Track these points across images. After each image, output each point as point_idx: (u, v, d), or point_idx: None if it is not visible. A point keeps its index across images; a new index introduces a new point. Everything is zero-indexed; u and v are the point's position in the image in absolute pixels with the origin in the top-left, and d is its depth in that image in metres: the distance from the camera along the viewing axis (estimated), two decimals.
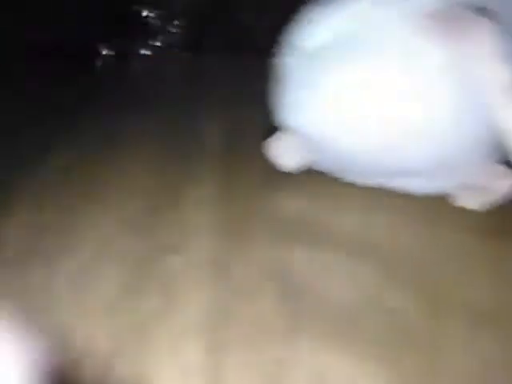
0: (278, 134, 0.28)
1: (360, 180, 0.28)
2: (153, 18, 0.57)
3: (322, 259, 0.23)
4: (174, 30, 0.57)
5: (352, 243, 0.24)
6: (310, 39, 0.23)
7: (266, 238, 0.25)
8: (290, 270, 0.22)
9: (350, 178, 0.28)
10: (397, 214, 0.27)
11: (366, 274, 0.22)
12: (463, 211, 0.27)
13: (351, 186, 0.29)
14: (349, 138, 0.23)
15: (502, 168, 0.26)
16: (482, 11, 0.20)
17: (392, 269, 0.23)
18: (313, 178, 0.29)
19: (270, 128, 0.29)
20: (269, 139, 0.29)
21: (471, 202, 0.26)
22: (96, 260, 0.23)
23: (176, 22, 0.57)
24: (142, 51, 0.58)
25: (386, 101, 0.22)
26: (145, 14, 0.57)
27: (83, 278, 0.22)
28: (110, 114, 0.42)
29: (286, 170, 0.30)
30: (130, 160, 0.33)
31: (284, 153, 0.28)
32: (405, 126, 0.22)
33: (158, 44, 0.57)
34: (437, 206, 0.27)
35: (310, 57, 0.23)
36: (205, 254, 0.24)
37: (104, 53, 0.58)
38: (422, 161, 0.24)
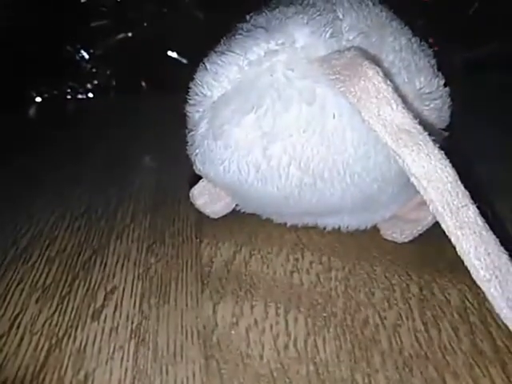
0: (201, 182, 0.28)
1: (288, 220, 0.28)
2: (86, 60, 0.56)
3: (249, 315, 0.22)
4: (109, 72, 0.56)
5: (282, 292, 0.23)
6: (211, 89, 0.23)
7: (191, 295, 0.24)
8: (214, 332, 0.21)
9: (277, 219, 0.28)
10: (327, 254, 0.26)
11: (296, 325, 0.21)
12: (390, 244, 0.27)
13: (280, 226, 0.28)
14: (263, 185, 0.23)
15: (422, 197, 0.26)
16: (370, 57, 0.20)
17: (321, 316, 0.22)
18: (241, 223, 0.29)
19: (196, 174, 0.28)
20: (193, 188, 0.28)
21: (396, 234, 0.26)
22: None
23: (109, 64, 0.56)
24: (78, 95, 0.57)
25: (294, 147, 0.22)
26: (78, 57, 0.56)
27: None
28: (40, 161, 0.41)
29: (214, 217, 0.29)
30: (48, 217, 0.32)
31: (209, 200, 0.28)
32: (317, 170, 0.22)
33: (91, 87, 0.56)
34: (365, 240, 0.27)
35: (213, 107, 0.23)
36: (125, 319, 0.22)
37: (36, 99, 0.56)
38: (341, 199, 0.24)
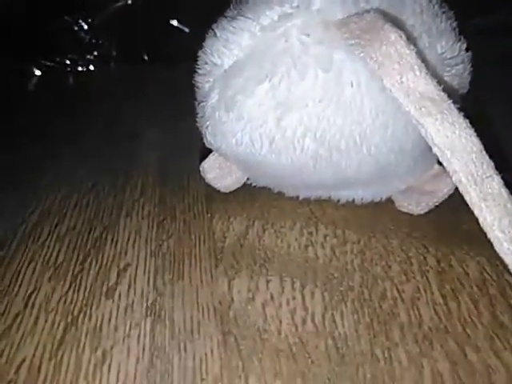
0: (211, 156, 0.27)
1: (300, 193, 0.27)
2: (85, 30, 0.54)
3: (265, 290, 0.22)
4: (108, 43, 0.54)
5: (297, 266, 0.23)
6: (221, 57, 0.22)
7: (205, 271, 0.23)
8: (231, 307, 0.21)
9: (289, 192, 0.27)
10: (341, 227, 0.26)
11: (313, 299, 0.21)
12: (405, 216, 0.26)
13: (293, 200, 0.28)
14: (276, 157, 0.22)
15: (439, 169, 0.25)
16: (390, 20, 0.19)
17: (338, 290, 0.22)
18: (253, 197, 0.28)
19: (206, 148, 0.27)
20: (203, 161, 0.28)
21: (412, 205, 0.26)
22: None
23: (109, 34, 0.54)
24: (78, 67, 0.55)
25: (310, 117, 0.21)
26: (76, 27, 0.54)
27: None
28: (42, 136, 0.40)
29: (225, 191, 0.28)
30: (56, 193, 0.31)
31: (220, 174, 0.27)
32: (333, 141, 0.21)
33: (92, 58, 0.54)
34: (380, 213, 0.27)
35: (224, 76, 0.22)
36: (140, 296, 0.22)
37: (36, 73, 0.55)
38: (356, 171, 0.23)
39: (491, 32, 0.52)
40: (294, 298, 0.21)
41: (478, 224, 0.19)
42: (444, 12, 0.22)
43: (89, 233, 0.27)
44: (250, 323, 0.20)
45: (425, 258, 0.24)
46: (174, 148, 0.36)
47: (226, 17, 0.22)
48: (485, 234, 0.19)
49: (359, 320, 0.20)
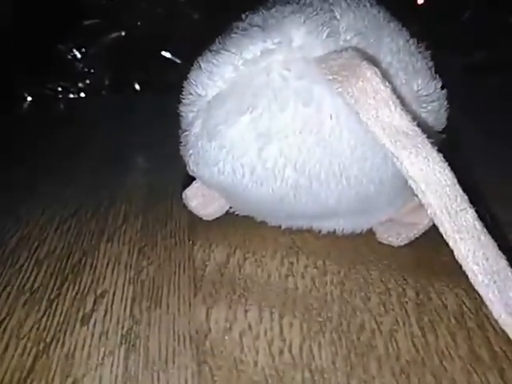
0: (194, 183, 0.27)
1: (282, 223, 0.27)
2: (78, 59, 0.55)
3: (243, 320, 0.22)
4: (101, 72, 0.55)
5: (276, 296, 0.23)
6: (206, 89, 0.23)
7: (184, 299, 0.23)
8: (207, 337, 0.21)
9: (271, 222, 0.28)
10: (322, 258, 0.26)
11: (291, 330, 0.21)
12: (385, 247, 0.27)
13: (275, 229, 0.28)
14: (258, 186, 0.23)
15: (419, 201, 0.26)
16: (367, 57, 0.20)
17: (317, 321, 0.21)
18: (235, 225, 0.28)
19: (189, 175, 0.28)
20: (186, 189, 0.28)
21: (392, 237, 0.26)
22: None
23: (102, 63, 0.55)
24: (69, 95, 0.56)
25: (290, 148, 0.22)
26: (70, 55, 0.55)
27: None
28: (31, 162, 0.40)
29: (207, 219, 0.28)
30: (37, 219, 0.31)
31: (202, 202, 0.27)
32: (313, 171, 0.22)
33: (84, 86, 0.55)
34: (361, 244, 0.27)
35: (208, 107, 0.23)
36: (115, 324, 0.22)
37: (28, 98, 0.55)
38: (337, 202, 0.23)
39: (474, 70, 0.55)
40: (271, 329, 0.21)
41: None
42: (420, 52, 0.23)
43: (68, 258, 0.27)
44: (226, 353, 0.20)
45: (404, 289, 0.24)
46: (160, 174, 0.37)
47: (210, 50, 0.23)
48: None
49: (337, 352, 0.20)
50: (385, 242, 0.27)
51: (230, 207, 0.28)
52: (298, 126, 0.21)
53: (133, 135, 0.46)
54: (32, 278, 0.25)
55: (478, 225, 0.19)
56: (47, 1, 0.48)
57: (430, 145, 0.19)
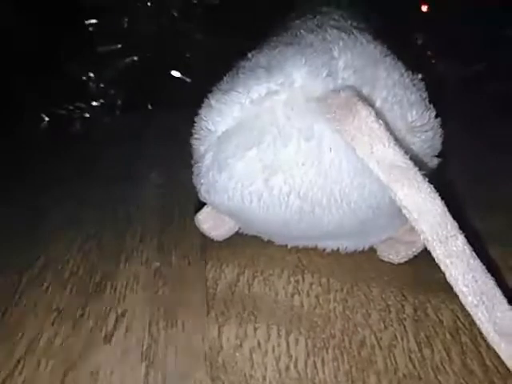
0: (205, 208, 0.29)
1: (288, 243, 0.29)
2: (93, 81, 0.58)
3: (252, 337, 0.23)
4: (115, 92, 0.58)
5: (283, 314, 0.25)
6: (215, 125, 0.24)
7: (197, 318, 0.25)
8: (220, 353, 0.23)
9: (278, 241, 0.29)
10: (326, 275, 0.28)
11: (297, 346, 0.23)
12: (386, 265, 0.28)
13: (282, 248, 0.30)
14: (264, 212, 0.24)
15: None
16: (363, 96, 0.22)
17: (321, 338, 0.23)
18: (244, 245, 0.30)
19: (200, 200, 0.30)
20: (198, 213, 0.30)
21: (392, 255, 0.28)
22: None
23: (115, 84, 0.57)
24: (83, 114, 0.58)
25: (294, 178, 0.23)
26: (85, 77, 0.57)
27: None
28: (46, 181, 0.42)
29: (218, 240, 0.30)
30: (59, 239, 0.33)
31: (213, 225, 0.29)
32: (315, 198, 0.24)
33: (98, 105, 0.57)
34: (363, 261, 0.29)
35: (218, 141, 0.25)
36: (135, 342, 0.24)
37: (45, 119, 0.58)
38: (338, 225, 0.25)
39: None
40: (279, 345, 0.23)
41: None
42: (415, 84, 0.25)
43: (90, 278, 0.29)
44: (237, 369, 0.22)
45: (403, 306, 0.25)
46: (174, 194, 0.39)
47: (219, 89, 0.25)
48: None
49: (339, 367, 0.22)
50: (385, 259, 0.28)
51: (239, 228, 0.30)
52: (300, 159, 0.23)
53: (146, 153, 0.48)
54: (58, 299, 0.27)
55: (468, 249, 0.20)
56: (63, 28, 0.51)
57: (421, 177, 0.20)
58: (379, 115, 0.21)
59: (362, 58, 0.24)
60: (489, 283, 0.20)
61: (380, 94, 0.23)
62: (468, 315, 0.24)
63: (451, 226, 0.20)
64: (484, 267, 0.20)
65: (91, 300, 0.27)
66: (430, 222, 0.20)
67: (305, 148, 0.23)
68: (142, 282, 0.28)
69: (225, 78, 0.25)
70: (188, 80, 0.56)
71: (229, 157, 0.24)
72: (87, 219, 0.36)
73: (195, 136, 0.25)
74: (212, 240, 0.30)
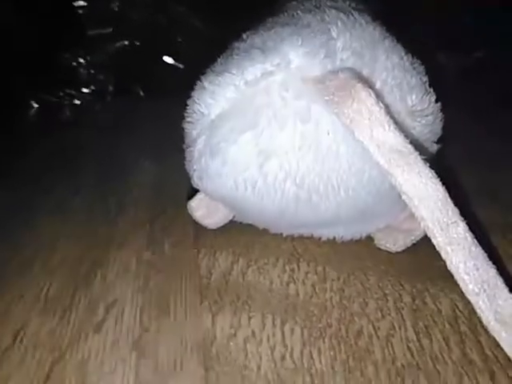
0: (198, 194, 0.28)
1: (283, 231, 0.29)
2: (84, 66, 0.56)
3: (247, 327, 0.23)
4: (105, 78, 0.56)
5: (278, 303, 0.24)
6: (208, 108, 0.24)
7: (190, 307, 0.24)
8: (213, 343, 0.22)
9: (273, 230, 0.29)
10: (322, 264, 0.27)
11: (292, 336, 0.22)
12: (383, 253, 0.28)
13: (277, 236, 0.29)
14: (259, 199, 0.24)
15: None
16: (362, 78, 0.21)
17: (317, 327, 0.23)
18: (239, 233, 0.30)
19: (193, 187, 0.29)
20: (191, 200, 0.29)
21: (390, 243, 0.27)
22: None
23: (106, 70, 0.56)
24: (73, 101, 0.57)
25: (290, 164, 0.23)
26: (75, 63, 0.56)
27: None
28: (35, 169, 0.41)
29: (211, 228, 0.29)
30: (49, 227, 0.32)
31: (207, 212, 0.28)
32: (312, 185, 0.23)
33: (88, 92, 0.56)
34: (360, 250, 0.28)
35: (210, 125, 0.24)
36: (126, 332, 0.23)
37: (34, 106, 0.56)
38: (335, 213, 0.24)
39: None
40: (274, 335, 0.22)
41: None
42: (415, 67, 0.24)
43: (79, 266, 0.28)
44: (231, 359, 0.21)
45: (400, 295, 0.25)
46: (166, 180, 0.38)
47: (213, 70, 0.24)
48: None
49: (336, 357, 0.21)
50: (383, 247, 0.28)
51: (234, 215, 0.29)
52: (296, 143, 0.22)
53: (137, 140, 0.47)
54: (46, 288, 0.26)
55: (469, 236, 0.20)
56: (52, 12, 0.49)
57: (422, 162, 0.20)
58: (379, 98, 0.20)
59: (361, 39, 0.23)
60: (490, 271, 0.19)
61: (379, 76, 0.23)
62: (467, 304, 0.24)
63: (452, 212, 0.20)
64: (485, 255, 0.20)
65: (80, 288, 0.26)
66: (431, 208, 0.19)
67: (301, 131, 0.22)
68: (132, 270, 0.27)
69: (219, 60, 0.24)
70: (180, 66, 0.55)
71: (222, 141, 0.23)
72: (77, 207, 0.35)
73: (187, 119, 0.25)
74: (205, 228, 0.30)
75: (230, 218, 0.29)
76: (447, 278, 0.25)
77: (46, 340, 0.23)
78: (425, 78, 0.24)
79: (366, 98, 0.20)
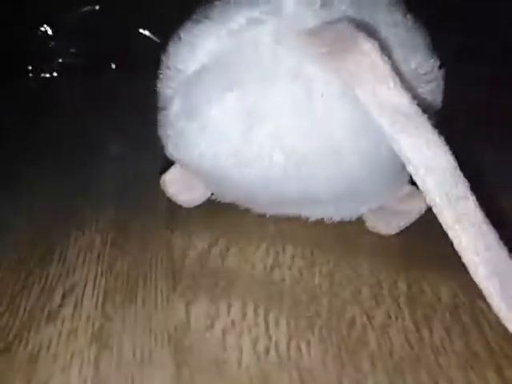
0: (173, 168, 0.25)
1: (268, 211, 0.26)
2: (50, 36, 0.52)
3: (225, 316, 0.20)
4: (74, 50, 0.52)
5: (261, 290, 0.22)
6: (185, 62, 0.21)
7: (161, 294, 0.21)
8: (187, 335, 0.19)
9: (257, 209, 0.26)
10: (309, 247, 0.24)
11: (277, 327, 0.20)
12: (375, 236, 0.25)
13: (260, 217, 0.26)
14: (242, 170, 0.21)
15: (411, 188, 0.25)
16: (361, 26, 0.18)
17: (304, 316, 0.20)
18: (217, 213, 0.27)
19: (168, 160, 0.26)
20: (165, 174, 0.26)
21: (382, 225, 0.25)
22: None
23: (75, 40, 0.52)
24: (41, 74, 0.53)
25: (278, 129, 0.20)
26: (40, 32, 0.51)
27: None
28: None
29: (187, 206, 0.27)
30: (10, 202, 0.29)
31: (182, 188, 0.25)
32: (302, 153, 0.20)
33: (56, 66, 0.52)
34: (350, 232, 0.26)
35: (188, 82, 0.21)
36: (85, 321, 0.20)
37: None
38: (326, 186, 0.22)
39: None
40: (256, 325, 0.20)
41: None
42: (418, 27, 0.22)
43: (34, 247, 0.25)
44: (207, 353, 0.18)
45: (395, 281, 0.22)
46: (136, 159, 0.34)
47: (192, 20, 0.21)
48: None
49: (326, 349, 0.19)
50: (375, 230, 0.26)
51: (212, 194, 0.26)
52: (287, 106, 0.20)
53: (109, 118, 0.43)
54: None
55: (480, 213, 0.18)
56: None
57: (430, 127, 0.17)
58: (383, 52, 0.17)
59: None
60: (502, 253, 0.17)
61: (380, 33, 0.20)
62: (468, 292, 0.22)
63: (462, 185, 0.17)
64: (497, 235, 0.18)
65: (34, 272, 0.23)
66: (439, 179, 0.17)
67: (292, 91, 0.19)
68: (96, 252, 0.24)
69: (199, 9, 0.21)
70: (157, 41, 0.51)
71: (201, 102, 0.20)
72: (36, 185, 0.31)
73: (161, 77, 0.21)
74: (180, 206, 0.27)
75: (208, 195, 0.26)
76: (445, 264, 0.23)
77: None
78: (428, 40, 0.22)
79: (369, 50, 0.17)
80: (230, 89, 0.20)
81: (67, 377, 0.18)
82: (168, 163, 0.26)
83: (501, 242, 0.18)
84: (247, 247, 0.24)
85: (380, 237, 0.26)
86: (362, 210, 0.25)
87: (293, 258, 0.24)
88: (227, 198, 0.26)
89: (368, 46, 0.17)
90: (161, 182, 0.26)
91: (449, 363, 0.18)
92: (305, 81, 0.19)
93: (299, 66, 0.19)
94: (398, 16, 0.21)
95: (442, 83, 0.23)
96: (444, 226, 0.18)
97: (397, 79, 0.17)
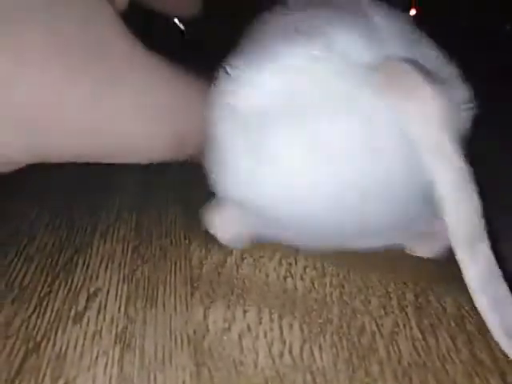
0: (215, 200, 0.25)
1: (316, 245, 0.24)
2: None
3: (241, 321, 0.21)
4: None
5: (275, 298, 0.23)
6: (242, 99, 0.20)
7: (180, 299, 0.22)
8: (205, 337, 0.20)
9: (308, 245, 0.25)
10: (320, 259, 0.25)
11: (291, 331, 0.21)
12: (384, 251, 0.26)
13: None
14: (301, 207, 0.21)
15: None
16: (423, 69, 0.19)
17: (317, 323, 0.21)
18: None
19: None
20: (206, 206, 0.25)
21: (423, 249, 0.25)
22: None
23: None
24: None
25: (338, 163, 0.20)
26: None
27: None
28: None
29: (225, 243, 0.26)
30: (30, 211, 0.30)
31: (223, 223, 0.25)
32: (361, 188, 0.20)
33: None
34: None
35: (245, 120, 0.20)
36: (109, 323, 0.21)
37: None
38: (381, 220, 0.22)
39: None
40: (271, 330, 0.21)
41: (456, 262, 0.19)
42: (449, 63, 0.22)
43: (59, 254, 0.26)
44: (225, 354, 0.19)
45: (403, 292, 0.23)
46: (154, 170, 0.36)
47: (240, 57, 0.21)
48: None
49: (338, 354, 0.20)
50: (416, 253, 0.26)
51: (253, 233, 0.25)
52: (351, 141, 0.20)
53: None
54: (21, 275, 0.24)
55: (492, 255, 0.19)
56: None
57: (467, 174, 0.18)
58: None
59: (406, 31, 0.21)
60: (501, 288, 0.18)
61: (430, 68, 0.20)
62: (472, 304, 0.22)
63: (482, 225, 0.19)
64: (500, 272, 0.19)
65: (59, 277, 0.24)
66: (465, 220, 0.18)
67: (356, 128, 0.19)
68: (117, 260, 0.25)
69: (241, 45, 0.21)
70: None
71: (259, 140, 0.20)
72: (58, 191, 0.32)
73: (214, 113, 0.21)
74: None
75: (248, 234, 0.25)
76: (451, 279, 0.24)
77: (19, 330, 0.20)
78: (458, 72, 0.22)
79: (430, 96, 0.18)
80: (289, 127, 0.20)
81: (93, 375, 0.18)
82: (190, 174, 0.27)
83: (502, 279, 0.19)
84: (261, 258, 0.26)
85: (389, 251, 0.27)
86: (406, 236, 0.25)
87: (305, 268, 0.25)
88: (269, 237, 0.25)
89: (431, 94, 0.18)
90: (202, 213, 0.25)
91: (455, 369, 0.19)
92: (364, 114, 0.19)
93: (358, 100, 0.19)
94: (433, 50, 0.22)
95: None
96: (459, 261, 0.19)
97: (455, 131, 0.19)
